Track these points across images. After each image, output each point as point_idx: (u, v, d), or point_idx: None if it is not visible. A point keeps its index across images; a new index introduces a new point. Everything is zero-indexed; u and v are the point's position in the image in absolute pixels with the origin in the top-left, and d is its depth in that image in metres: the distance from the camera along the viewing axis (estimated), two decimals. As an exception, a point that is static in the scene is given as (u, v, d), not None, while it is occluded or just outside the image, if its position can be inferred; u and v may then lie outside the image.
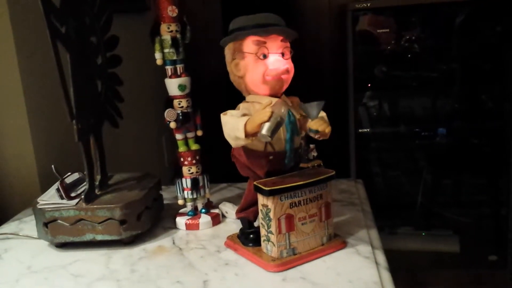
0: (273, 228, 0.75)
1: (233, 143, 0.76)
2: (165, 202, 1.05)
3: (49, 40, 0.78)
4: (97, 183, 0.93)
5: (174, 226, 0.96)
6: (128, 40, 1.07)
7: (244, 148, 0.78)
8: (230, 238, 0.86)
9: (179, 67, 0.92)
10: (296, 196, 0.75)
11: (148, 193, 0.93)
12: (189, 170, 0.94)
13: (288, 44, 0.79)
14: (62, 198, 0.88)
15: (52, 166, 0.92)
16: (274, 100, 0.77)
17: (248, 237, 0.82)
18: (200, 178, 0.96)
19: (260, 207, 0.76)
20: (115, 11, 0.96)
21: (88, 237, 0.86)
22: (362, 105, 2.22)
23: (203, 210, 0.97)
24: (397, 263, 0.99)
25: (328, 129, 0.75)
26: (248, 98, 0.80)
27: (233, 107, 0.81)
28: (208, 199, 1.00)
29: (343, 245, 0.81)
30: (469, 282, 2.01)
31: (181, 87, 0.91)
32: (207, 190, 0.98)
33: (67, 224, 0.86)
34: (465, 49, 2.09)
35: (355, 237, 0.85)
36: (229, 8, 2.16)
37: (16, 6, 1.09)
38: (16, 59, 1.09)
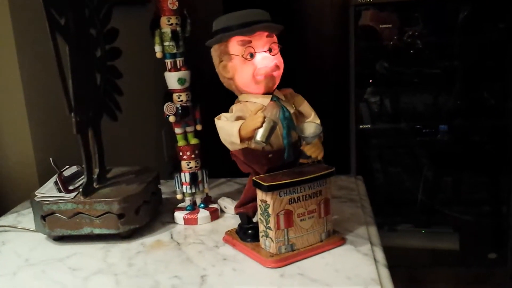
0: (271, 224, 0.74)
1: (230, 147, 0.77)
2: (163, 196, 1.05)
3: (48, 32, 0.78)
4: (95, 176, 0.93)
5: (172, 221, 0.96)
6: (127, 32, 1.07)
7: (243, 149, 0.77)
8: (229, 233, 0.86)
9: (179, 61, 0.91)
10: (295, 192, 0.75)
11: (147, 187, 0.92)
12: (188, 165, 0.94)
13: (275, 39, 0.78)
14: (60, 191, 0.88)
15: (50, 159, 0.91)
16: (266, 99, 0.77)
17: (247, 233, 0.82)
18: (199, 172, 0.95)
19: (259, 202, 0.76)
20: (115, 3, 0.95)
21: (86, 230, 0.86)
22: (363, 101, 2.21)
23: (202, 205, 0.97)
24: (396, 260, 0.98)
25: (321, 156, 0.76)
26: (240, 97, 0.80)
27: (233, 101, 0.80)
28: (207, 194, 0.99)
29: (342, 241, 0.81)
30: (469, 280, 2.01)
31: (181, 80, 0.91)
32: (206, 185, 0.97)
33: (65, 218, 0.86)
34: (467, 45, 2.08)
35: (354, 234, 0.84)
36: (230, 1, 2.15)
37: (16, -3, 1.08)
38: (15, 52, 1.08)
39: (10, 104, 1.11)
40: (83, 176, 0.90)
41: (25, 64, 1.11)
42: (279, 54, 0.78)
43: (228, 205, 0.98)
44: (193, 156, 0.94)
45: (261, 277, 0.73)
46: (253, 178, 0.75)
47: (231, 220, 0.95)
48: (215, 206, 0.98)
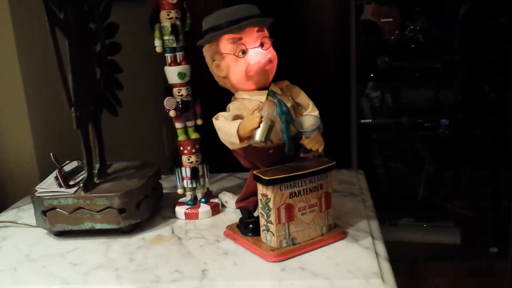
0: (272, 218, 0.74)
1: (230, 146, 0.76)
2: (164, 191, 1.05)
3: (48, 27, 0.77)
4: (96, 171, 0.93)
5: (173, 216, 0.96)
6: (127, 27, 1.06)
7: (244, 147, 0.77)
8: (230, 227, 0.86)
9: (179, 55, 0.91)
10: (296, 186, 0.74)
11: (148, 182, 0.92)
12: (188, 159, 0.94)
13: (266, 33, 0.77)
14: (60, 186, 0.88)
15: (51, 154, 0.91)
16: (262, 94, 0.76)
17: (248, 227, 0.82)
18: (200, 167, 0.95)
19: (259, 196, 0.76)
20: (114, -2, 0.95)
21: (87, 225, 0.86)
22: (364, 95, 2.21)
23: (203, 200, 0.97)
24: (397, 255, 0.98)
25: (321, 148, 0.75)
26: (236, 94, 0.79)
27: (232, 96, 0.80)
28: (207, 188, 0.99)
29: (343, 235, 0.81)
30: (470, 274, 2.01)
31: (181, 75, 0.90)
32: (206, 180, 0.97)
33: (66, 213, 0.86)
34: (468, 40, 2.08)
35: (355, 228, 0.84)
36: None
37: (15, -8, 1.08)
38: (14, 47, 1.08)
39: (10, 99, 1.11)
40: (83, 171, 0.90)
41: (25, 59, 1.10)
42: (271, 48, 0.77)
43: (229, 199, 0.98)
44: (193, 150, 0.94)
45: (262, 271, 0.73)
46: (254, 172, 0.75)
47: (232, 214, 0.95)
48: (216, 200, 0.98)
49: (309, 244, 0.77)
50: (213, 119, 0.77)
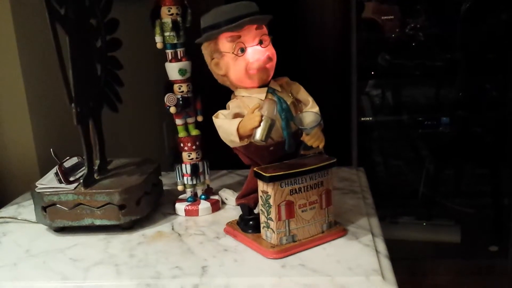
0: (273, 215, 0.74)
1: (230, 144, 0.76)
2: (164, 188, 1.05)
3: (48, 23, 0.77)
4: (96, 167, 0.93)
5: (173, 212, 0.95)
6: (128, 23, 1.06)
7: (244, 144, 0.77)
8: (230, 224, 0.86)
9: (180, 51, 0.91)
10: (297, 182, 0.74)
11: (148, 178, 0.92)
12: (189, 156, 0.94)
13: (265, 31, 0.76)
14: (60, 182, 0.88)
15: (51, 150, 0.91)
16: (262, 92, 0.76)
17: (248, 224, 0.82)
18: (200, 164, 0.95)
19: (260, 193, 0.76)
20: (115, -7, 0.95)
21: (87, 221, 0.86)
22: (365, 93, 2.21)
23: (203, 197, 0.97)
24: (397, 253, 0.98)
25: (322, 145, 0.75)
26: (236, 92, 0.79)
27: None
28: (208, 185, 0.99)
29: (344, 232, 0.81)
30: (470, 272, 2.01)
31: (182, 71, 0.90)
32: (207, 176, 0.97)
33: (66, 209, 0.85)
34: (469, 37, 2.07)
35: (356, 225, 0.84)
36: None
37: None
38: (15, 43, 1.08)
39: (10, 96, 1.11)
40: (83, 167, 0.90)
41: (25, 54, 1.10)
42: (270, 45, 0.77)
43: (229, 196, 0.98)
44: (194, 147, 0.94)
45: (262, 268, 0.72)
46: (254, 169, 0.75)
47: (232, 211, 0.95)
48: (216, 197, 0.98)
49: (309, 241, 0.77)
50: (213, 117, 0.76)
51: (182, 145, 0.94)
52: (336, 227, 0.81)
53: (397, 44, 2.13)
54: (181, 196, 0.98)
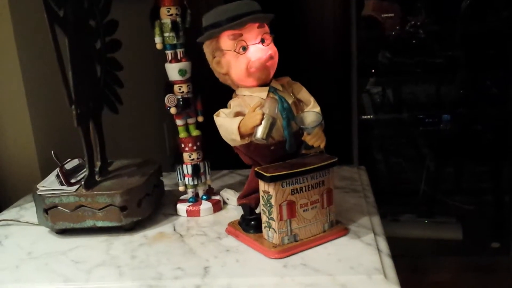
0: (274, 215, 0.74)
1: (231, 143, 0.76)
2: (166, 188, 1.05)
3: (47, 24, 0.77)
4: (97, 169, 0.92)
5: (175, 213, 0.95)
6: (127, 24, 1.06)
7: (245, 143, 0.77)
8: (231, 224, 0.86)
9: (180, 52, 0.90)
10: (298, 182, 0.74)
11: (149, 179, 0.92)
12: (190, 156, 0.94)
13: (266, 29, 0.76)
14: (62, 184, 0.88)
15: (52, 152, 0.91)
16: (264, 91, 0.76)
17: (249, 224, 0.82)
18: (201, 164, 0.95)
19: (261, 193, 0.76)
20: (114, -6, 0.95)
21: (89, 223, 0.86)
22: (365, 91, 2.21)
23: (204, 197, 0.97)
24: (399, 250, 0.98)
25: (323, 144, 0.75)
26: (237, 91, 0.79)
27: (233, 92, 0.80)
28: (209, 185, 0.99)
29: (345, 231, 0.81)
30: (472, 269, 2.01)
31: (182, 72, 0.90)
32: (208, 177, 0.97)
33: (67, 211, 0.85)
34: (470, 34, 2.07)
35: (357, 224, 0.84)
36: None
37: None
38: (14, 45, 1.08)
39: (10, 98, 1.11)
40: (84, 169, 0.90)
41: (25, 56, 1.10)
42: (272, 44, 0.77)
43: (231, 196, 0.98)
44: (195, 147, 0.94)
45: (264, 267, 0.72)
46: (255, 169, 0.75)
47: (233, 211, 0.95)
48: (217, 197, 0.98)
49: (311, 240, 0.77)
50: (214, 116, 0.76)
51: (183, 145, 0.94)
52: (338, 226, 0.81)
53: (398, 42, 2.13)
54: (182, 197, 0.98)
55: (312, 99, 0.79)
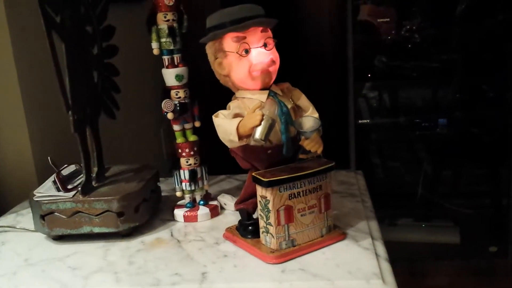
0: (272, 220, 0.74)
1: (228, 144, 0.76)
2: (163, 194, 1.04)
3: (44, 30, 0.77)
4: (94, 175, 0.92)
5: (172, 218, 0.95)
6: (124, 29, 1.06)
7: (242, 146, 0.77)
8: (229, 230, 0.85)
9: (176, 57, 0.91)
10: (295, 187, 0.74)
11: (146, 185, 0.92)
12: (187, 162, 0.94)
13: (269, 34, 0.77)
14: (58, 190, 0.87)
15: (49, 158, 0.91)
16: (263, 94, 0.76)
17: (247, 229, 0.81)
18: (198, 169, 0.95)
19: (259, 198, 0.75)
20: (110, 0, 0.95)
21: (86, 229, 0.86)
22: (362, 96, 2.21)
23: (202, 202, 0.96)
24: (397, 255, 0.98)
25: (320, 150, 0.75)
26: (237, 94, 0.79)
27: (231, 97, 0.80)
28: (206, 190, 0.99)
29: (343, 236, 0.81)
30: (470, 273, 2.01)
31: (179, 77, 0.90)
32: (205, 182, 0.97)
33: (64, 217, 0.85)
34: (466, 38, 2.08)
35: (355, 229, 0.84)
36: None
37: (11, -4, 1.08)
38: (11, 51, 1.08)
39: (7, 104, 1.11)
40: (81, 175, 0.90)
41: (22, 63, 1.10)
42: (274, 49, 0.77)
43: (228, 201, 0.98)
44: (192, 153, 0.93)
45: (262, 273, 0.72)
46: (253, 174, 0.75)
47: (231, 216, 0.95)
48: (215, 203, 0.98)
49: (309, 245, 0.77)
50: (213, 117, 0.76)
51: (180, 151, 0.94)
52: (336, 231, 0.81)
53: (394, 46, 2.14)
54: (179, 202, 0.98)
55: (311, 106, 0.80)
